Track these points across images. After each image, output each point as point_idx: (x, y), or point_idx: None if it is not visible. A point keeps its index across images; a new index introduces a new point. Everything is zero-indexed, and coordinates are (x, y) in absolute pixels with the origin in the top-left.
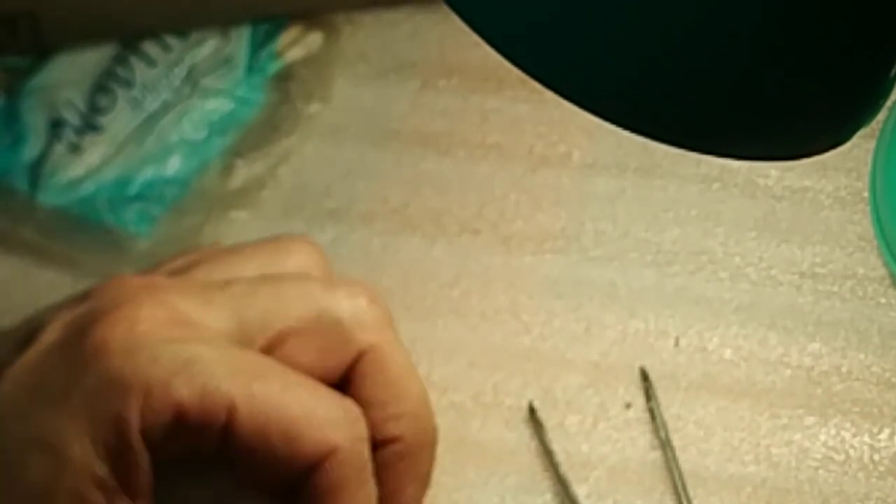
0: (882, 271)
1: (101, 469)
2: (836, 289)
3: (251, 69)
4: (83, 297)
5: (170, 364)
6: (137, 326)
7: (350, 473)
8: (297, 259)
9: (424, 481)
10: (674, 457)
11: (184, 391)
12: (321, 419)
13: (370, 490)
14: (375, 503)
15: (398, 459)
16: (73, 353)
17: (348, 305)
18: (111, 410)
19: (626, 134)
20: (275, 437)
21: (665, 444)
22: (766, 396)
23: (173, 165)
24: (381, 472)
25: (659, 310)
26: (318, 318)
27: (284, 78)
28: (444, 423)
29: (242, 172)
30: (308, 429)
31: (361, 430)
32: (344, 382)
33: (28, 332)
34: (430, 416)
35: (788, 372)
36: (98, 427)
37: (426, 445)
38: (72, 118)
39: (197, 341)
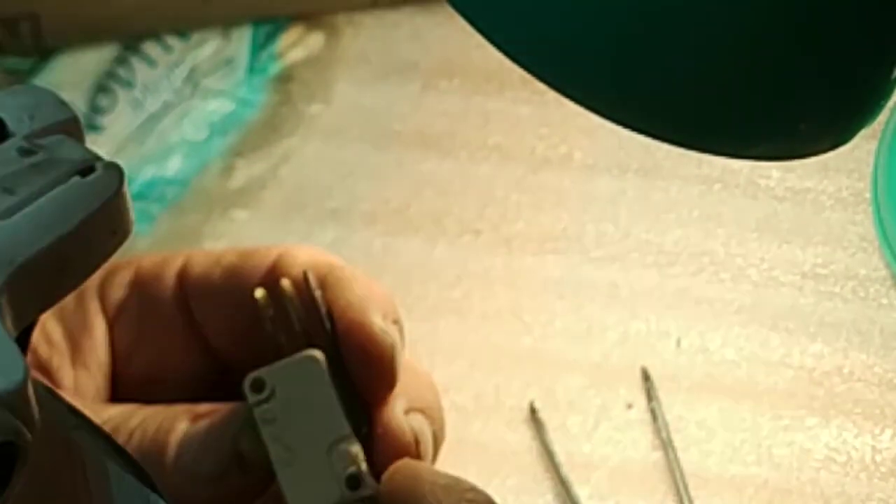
0: (884, 272)
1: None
2: (837, 289)
3: (252, 70)
4: None
5: None
6: None
7: None
8: None
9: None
10: (675, 457)
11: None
12: None
13: None
14: None
15: None
16: None
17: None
18: None
19: (628, 135)
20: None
21: (666, 445)
22: (767, 397)
23: (174, 165)
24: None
25: (660, 311)
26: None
27: (285, 79)
28: (446, 424)
29: (243, 172)
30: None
31: None
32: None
33: None
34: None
35: (790, 373)
36: None
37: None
38: None
39: None
